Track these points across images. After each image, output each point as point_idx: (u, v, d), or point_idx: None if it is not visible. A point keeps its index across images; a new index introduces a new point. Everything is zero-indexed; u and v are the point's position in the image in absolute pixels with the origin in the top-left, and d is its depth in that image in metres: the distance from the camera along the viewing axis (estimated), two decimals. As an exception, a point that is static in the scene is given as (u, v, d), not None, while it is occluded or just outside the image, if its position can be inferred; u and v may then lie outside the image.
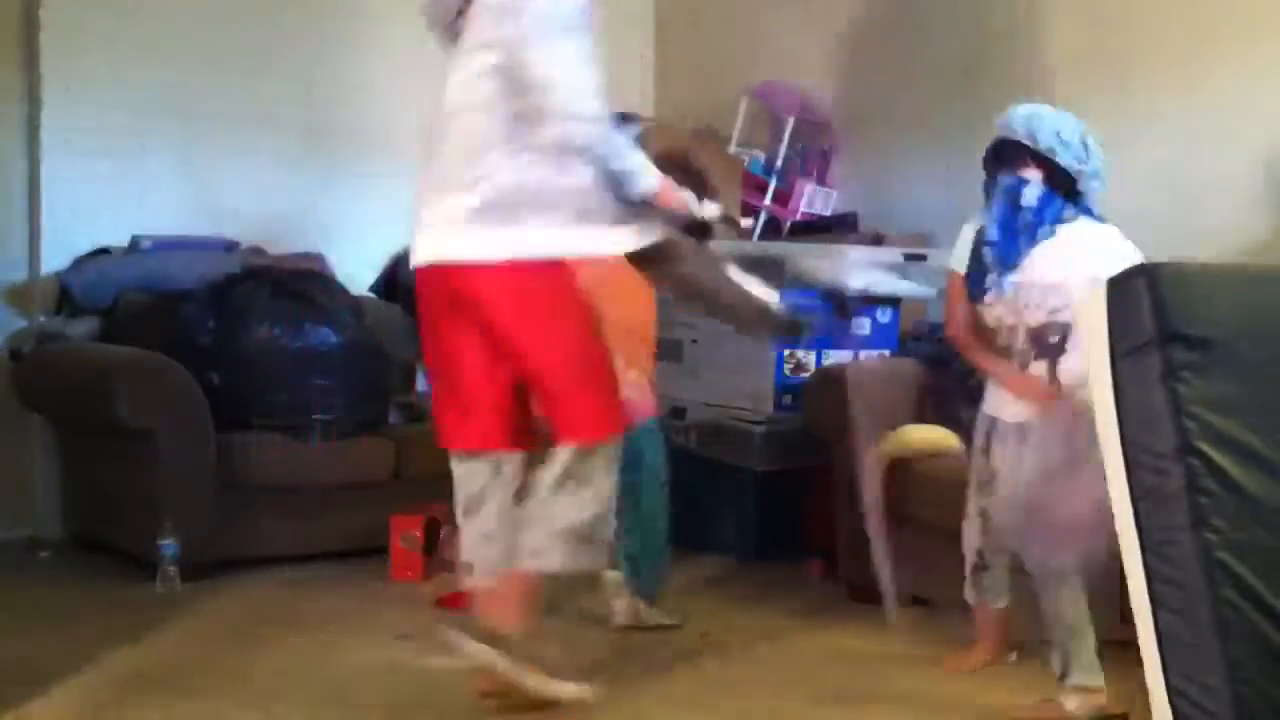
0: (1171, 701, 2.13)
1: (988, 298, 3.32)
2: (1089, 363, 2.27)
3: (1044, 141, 3.25)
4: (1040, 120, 3.28)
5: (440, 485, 4.30)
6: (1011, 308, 3.29)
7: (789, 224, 5.36)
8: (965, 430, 4.08)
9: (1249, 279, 2.55)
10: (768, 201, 5.40)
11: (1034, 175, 3.27)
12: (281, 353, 4.48)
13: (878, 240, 5.00)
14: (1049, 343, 3.25)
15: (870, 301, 4.83)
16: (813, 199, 5.37)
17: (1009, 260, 3.27)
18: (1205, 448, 2.12)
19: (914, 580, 3.77)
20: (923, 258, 4.88)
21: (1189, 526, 2.11)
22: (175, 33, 5.12)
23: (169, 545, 4.12)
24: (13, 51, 4.89)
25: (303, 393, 4.49)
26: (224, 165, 5.24)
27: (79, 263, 4.84)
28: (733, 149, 5.47)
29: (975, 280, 3.36)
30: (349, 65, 5.37)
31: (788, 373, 4.73)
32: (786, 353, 4.72)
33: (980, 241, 3.34)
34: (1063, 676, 3.18)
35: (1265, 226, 4.18)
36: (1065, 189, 3.27)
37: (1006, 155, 3.32)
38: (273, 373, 4.46)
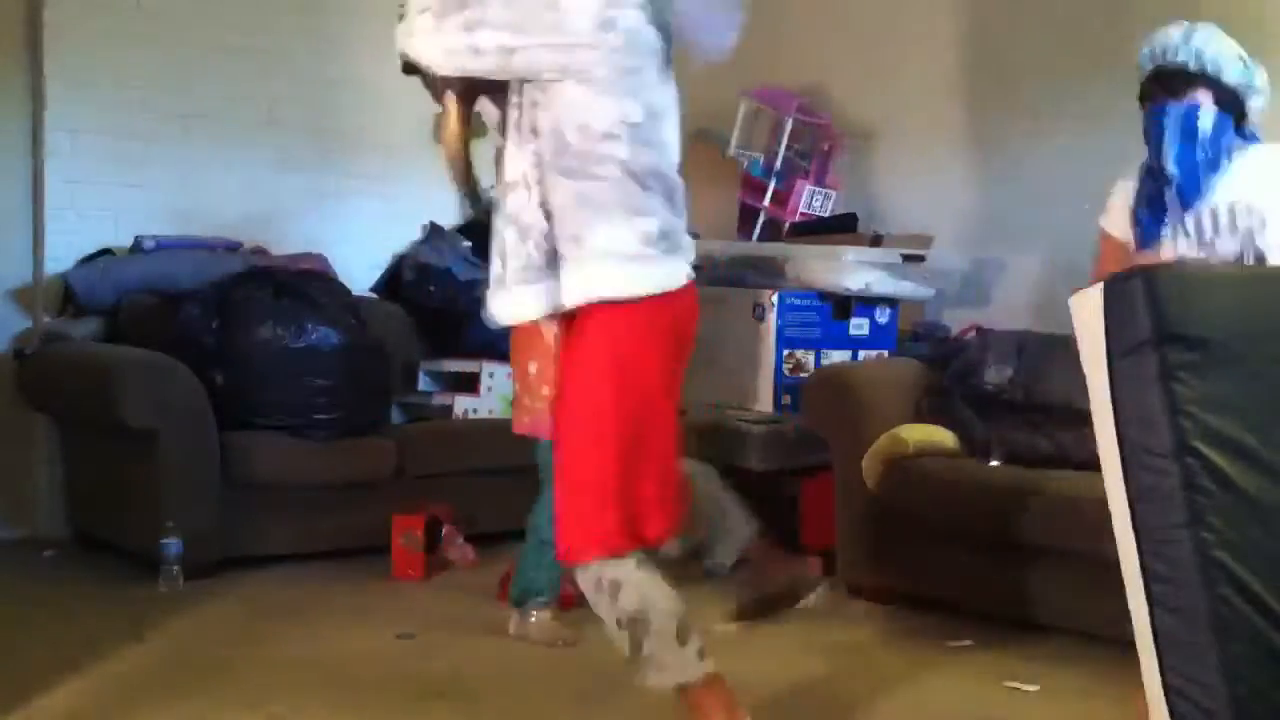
0: (1169, 700, 2.14)
1: (1165, 240, 3.02)
2: (1085, 363, 2.28)
3: (1210, 61, 2.95)
4: (1201, 39, 2.97)
5: (441, 485, 4.33)
6: (1196, 243, 2.99)
7: (788, 225, 5.37)
8: (964, 429, 4.11)
9: (1246, 279, 2.56)
10: (767, 202, 5.41)
11: (1205, 99, 2.96)
12: (284, 353, 4.49)
13: (876, 241, 5.01)
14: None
15: (869, 301, 4.86)
16: (812, 200, 5.39)
17: (1191, 194, 2.98)
18: (1202, 447, 2.13)
19: (911, 579, 3.79)
20: (921, 258, 4.90)
21: (1186, 525, 2.12)
22: (178, 34, 5.13)
23: (172, 544, 4.14)
24: (17, 53, 4.90)
25: (304, 392, 4.49)
26: (226, 166, 5.25)
27: (82, 263, 4.85)
28: (732, 151, 5.48)
29: (1148, 226, 3.04)
30: (350, 66, 5.37)
31: (787, 372, 4.75)
32: (786, 353, 4.74)
33: (1148, 186, 3.05)
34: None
35: None
36: (1236, 111, 2.98)
37: (1170, 84, 2.98)
38: (275, 372, 4.47)
